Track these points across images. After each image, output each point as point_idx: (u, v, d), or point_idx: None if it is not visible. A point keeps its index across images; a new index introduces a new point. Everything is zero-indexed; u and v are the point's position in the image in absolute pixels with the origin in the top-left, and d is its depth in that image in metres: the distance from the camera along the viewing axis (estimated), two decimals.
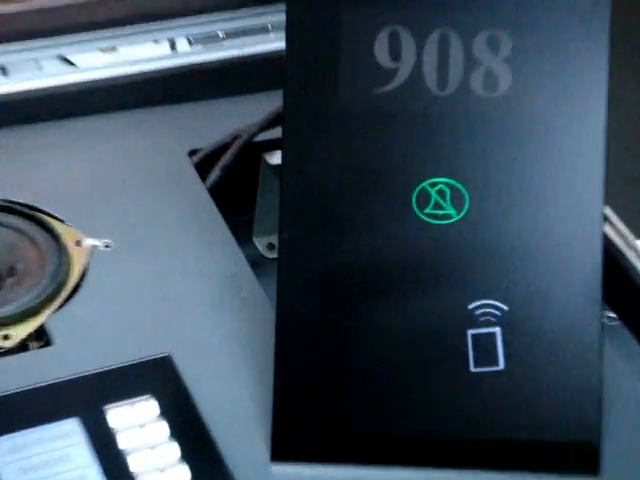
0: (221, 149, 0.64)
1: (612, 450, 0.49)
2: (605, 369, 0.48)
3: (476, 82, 0.48)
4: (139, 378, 0.51)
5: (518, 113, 0.48)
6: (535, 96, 0.48)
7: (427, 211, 0.48)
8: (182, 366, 0.52)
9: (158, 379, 0.51)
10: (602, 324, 0.48)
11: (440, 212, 0.48)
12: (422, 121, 0.48)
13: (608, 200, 0.48)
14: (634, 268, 0.57)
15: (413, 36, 0.48)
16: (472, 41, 0.48)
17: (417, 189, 0.48)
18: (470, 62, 0.48)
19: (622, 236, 0.59)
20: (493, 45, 0.47)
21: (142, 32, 0.70)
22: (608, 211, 0.57)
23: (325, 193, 0.48)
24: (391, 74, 0.48)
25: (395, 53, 0.48)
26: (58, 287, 0.55)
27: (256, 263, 0.61)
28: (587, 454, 0.48)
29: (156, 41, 0.71)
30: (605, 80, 0.47)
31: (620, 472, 0.50)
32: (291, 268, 0.49)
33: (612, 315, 0.58)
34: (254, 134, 0.64)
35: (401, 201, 0.48)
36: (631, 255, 0.58)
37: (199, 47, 0.71)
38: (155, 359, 0.52)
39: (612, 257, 0.57)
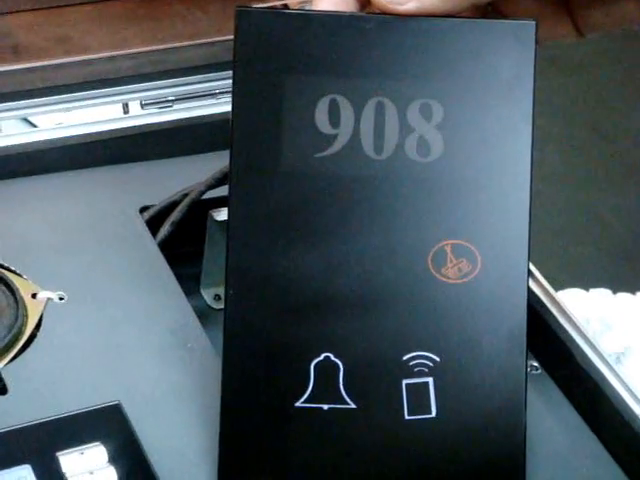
0: (171, 206, 0.66)
1: None
2: (529, 415, 0.50)
3: (410, 147, 0.49)
4: (90, 425, 0.52)
5: (449, 178, 0.49)
6: (465, 162, 0.49)
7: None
8: (131, 414, 0.53)
9: (108, 426, 0.52)
10: (526, 373, 0.50)
11: None
12: (359, 184, 0.49)
13: (531, 256, 0.49)
14: (555, 319, 0.59)
15: (351, 104, 0.49)
16: (406, 109, 0.49)
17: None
18: (404, 129, 0.49)
19: (544, 289, 0.61)
20: (426, 113, 0.49)
21: (98, 96, 0.72)
22: (531, 266, 0.59)
23: (269, 250, 0.49)
24: (331, 139, 0.49)
25: (334, 120, 0.49)
26: (14, 338, 0.57)
27: (203, 313, 0.63)
28: None
29: (110, 104, 0.72)
30: (529, 145, 0.49)
31: None
32: (237, 323, 0.50)
33: (535, 364, 0.60)
34: (202, 192, 0.65)
35: (334, 258, 0.49)
36: (552, 307, 0.60)
37: (151, 110, 0.73)
38: (105, 407, 0.53)
39: (535, 309, 0.59)
